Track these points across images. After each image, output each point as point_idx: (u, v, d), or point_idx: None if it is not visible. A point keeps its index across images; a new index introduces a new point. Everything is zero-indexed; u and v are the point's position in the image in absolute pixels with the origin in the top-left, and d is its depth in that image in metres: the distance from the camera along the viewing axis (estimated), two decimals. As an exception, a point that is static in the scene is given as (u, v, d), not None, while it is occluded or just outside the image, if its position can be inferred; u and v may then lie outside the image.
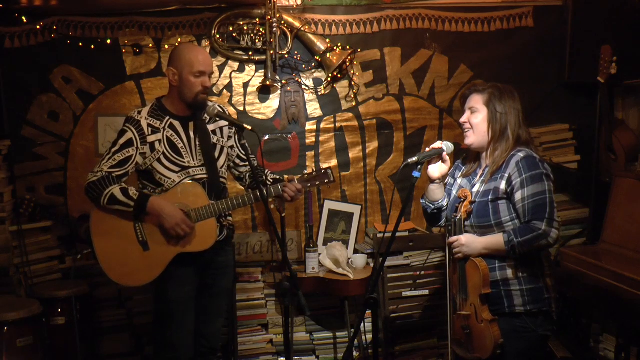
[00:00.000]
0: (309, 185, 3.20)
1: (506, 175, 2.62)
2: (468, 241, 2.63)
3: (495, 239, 2.61)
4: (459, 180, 2.86)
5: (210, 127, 3.15)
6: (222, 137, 3.18)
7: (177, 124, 3.06)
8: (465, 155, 2.90)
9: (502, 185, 2.62)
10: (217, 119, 3.09)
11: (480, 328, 2.60)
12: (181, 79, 3.01)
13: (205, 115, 3.13)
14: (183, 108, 3.08)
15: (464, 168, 2.88)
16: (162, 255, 3.01)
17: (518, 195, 2.59)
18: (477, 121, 2.70)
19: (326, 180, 3.22)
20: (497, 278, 2.63)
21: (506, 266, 2.63)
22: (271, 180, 3.24)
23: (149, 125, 3.01)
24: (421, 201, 2.93)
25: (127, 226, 3.01)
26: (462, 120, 2.75)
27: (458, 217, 2.66)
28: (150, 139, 3.00)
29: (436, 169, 2.76)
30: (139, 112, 3.04)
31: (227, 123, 3.17)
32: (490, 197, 2.63)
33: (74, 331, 3.54)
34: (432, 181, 2.80)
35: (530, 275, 2.64)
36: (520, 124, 2.70)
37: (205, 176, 3.07)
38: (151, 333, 3.47)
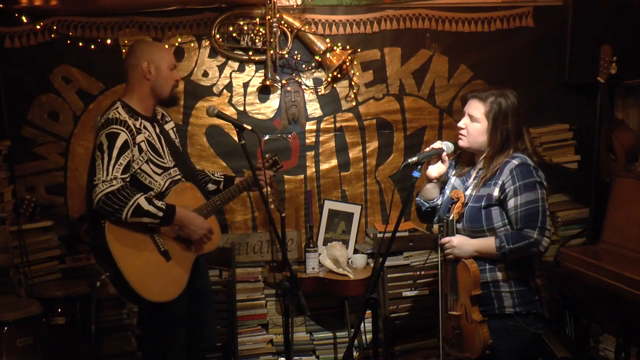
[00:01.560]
0: (272, 172, 3.32)
1: (499, 182, 2.62)
2: (460, 243, 2.64)
3: (487, 243, 2.62)
4: (452, 180, 2.87)
5: (166, 127, 3.13)
6: (176, 136, 3.19)
7: (148, 124, 2.98)
8: (459, 154, 2.89)
9: (495, 192, 2.62)
10: (168, 119, 3.14)
11: (470, 328, 2.62)
12: (158, 72, 2.95)
13: (158, 116, 3.11)
14: (150, 108, 3.01)
15: (457, 168, 2.89)
16: (184, 262, 2.92)
17: (511, 203, 2.59)
18: (474, 131, 2.68)
19: (278, 167, 3.35)
20: (487, 279, 2.65)
21: (496, 268, 2.65)
22: (221, 178, 3.30)
23: (133, 124, 2.88)
24: (416, 199, 2.94)
25: (146, 239, 2.84)
26: (460, 124, 2.74)
27: (450, 218, 2.67)
28: (138, 139, 2.87)
29: (435, 169, 2.77)
30: (119, 113, 2.86)
31: (174, 125, 3.19)
32: (482, 204, 2.64)
33: (75, 331, 3.54)
34: (429, 180, 2.81)
35: (520, 277, 2.65)
36: (521, 132, 2.67)
37: (180, 176, 3.03)
38: (145, 344, 3.36)
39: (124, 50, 3.84)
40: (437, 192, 2.85)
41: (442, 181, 2.91)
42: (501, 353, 2.63)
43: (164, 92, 2.99)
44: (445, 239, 2.68)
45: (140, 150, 2.88)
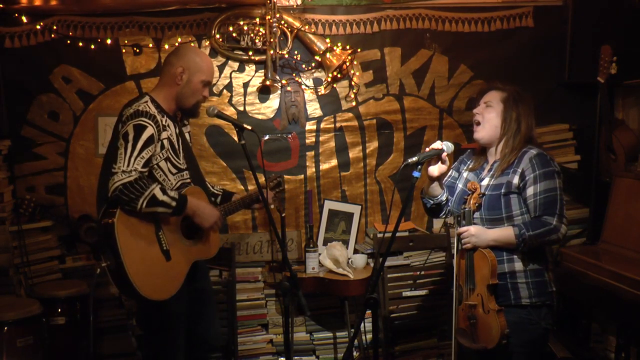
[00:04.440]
0: (275, 192, 3.45)
1: (519, 170, 2.69)
2: (478, 232, 2.67)
3: (506, 232, 2.66)
4: (465, 174, 2.90)
5: (184, 129, 3.12)
6: (190, 141, 3.17)
7: (171, 124, 2.96)
8: (470, 152, 2.96)
9: (515, 180, 2.68)
10: (186, 122, 3.12)
11: (486, 318, 2.64)
12: (189, 82, 2.92)
13: (178, 118, 3.10)
14: (173, 109, 2.99)
15: (469, 162, 2.93)
16: (182, 265, 2.91)
17: (530, 191, 2.66)
18: (489, 115, 2.77)
19: (280, 188, 3.46)
20: (505, 270, 2.69)
21: (514, 259, 2.69)
22: (219, 192, 3.30)
23: (160, 120, 2.85)
24: (421, 197, 2.97)
25: (151, 235, 2.81)
26: (475, 110, 2.81)
27: (467, 209, 2.70)
28: (162, 136, 2.85)
29: (436, 169, 2.78)
30: (149, 107, 2.83)
31: (190, 129, 3.17)
32: (502, 191, 2.69)
33: (75, 331, 3.54)
34: (431, 180, 2.83)
35: (536, 269, 2.70)
36: (532, 128, 2.79)
37: (189, 180, 3.01)
38: (145, 344, 3.30)
39: (124, 50, 3.84)
40: (440, 188, 2.88)
41: (448, 185, 2.95)
42: (512, 345, 2.67)
43: (187, 103, 2.96)
44: (463, 228, 2.70)
45: (162, 147, 2.85)
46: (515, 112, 2.74)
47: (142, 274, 2.74)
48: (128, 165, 2.70)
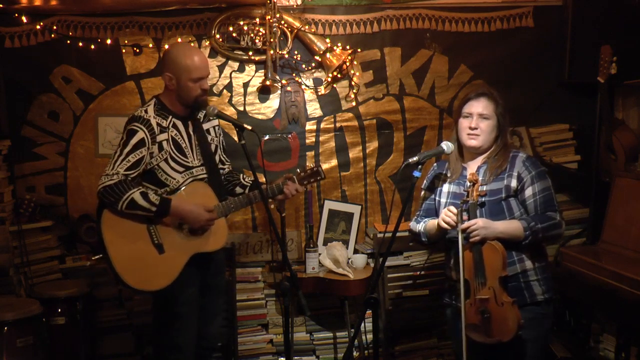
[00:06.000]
0: (305, 183, 3.28)
1: (515, 173, 2.74)
2: (487, 224, 2.66)
3: (513, 224, 2.68)
4: (445, 188, 2.87)
5: (205, 126, 3.17)
6: (215, 135, 3.23)
7: (179, 123, 3.05)
8: (437, 165, 2.96)
9: (513, 183, 2.73)
10: (211, 118, 3.14)
11: (501, 311, 2.62)
12: (179, 85, 2.99)
13: (199, 115, 3.15)
14: (182, 108, 3.07)
15: (445, 174, 2.91)
16: (178, 258, 2.97)
17: (529, 191, 2.72)
18: (487, 128, 2.77)
19: (318, 178, 3.31)
20: (517, 271, 2.71)
21: (524, 258, 2.73)
22: (249, 183, 3.30)
23: (157, 124, 2.97)
24: (419, 227, 2.93)
25: (140, 229, 2.94)
26: (472, 125, 2.77)
27: (471, 201, 2.68)
28: (159, 138, 2.96)
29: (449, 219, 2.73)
30: (146, 111, 2.98)
31: (217, 122, 3.23)
32: (502, 195, 2.72)
33: (75, 331, 3.54)
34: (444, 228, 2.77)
35: (543, 265, 2.77)
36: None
37: (205, 176, 3.08)
38: (153, 335, 3.35)
39: (124, 50, 3.84)
40: (441, 236, 2.87)
41: (428, 209, 2.95)
42: (527, 341, 2.69)
43: (187, 101, 3.04)
44: (470, 222, 2.65)
45: (161, 148, 2.96)
46: (507, 122, 2.82)
47: (128, 266, 2.90)
48: (112, 169, 2.87)
